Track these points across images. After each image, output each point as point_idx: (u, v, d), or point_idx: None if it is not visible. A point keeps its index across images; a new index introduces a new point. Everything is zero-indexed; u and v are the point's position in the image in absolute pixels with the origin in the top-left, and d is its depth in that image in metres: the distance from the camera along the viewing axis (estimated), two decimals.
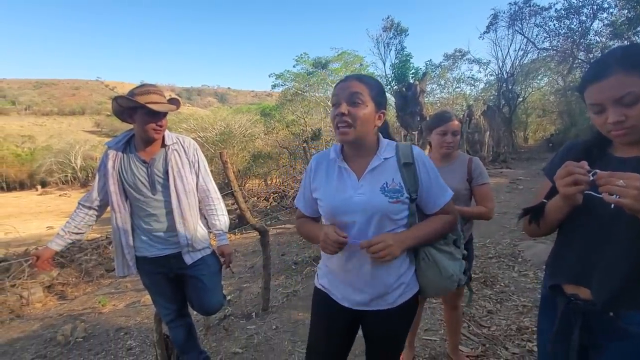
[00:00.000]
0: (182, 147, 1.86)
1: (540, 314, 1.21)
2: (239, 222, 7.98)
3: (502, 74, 20.38)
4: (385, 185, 1.12)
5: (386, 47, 19.44)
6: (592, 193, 0.84)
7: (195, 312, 2.02)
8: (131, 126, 1.81)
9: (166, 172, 1.78)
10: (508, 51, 19.88)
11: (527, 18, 17.61)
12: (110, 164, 1.76)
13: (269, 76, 22.46)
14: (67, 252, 5.88)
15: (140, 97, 1.66)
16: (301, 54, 21.62)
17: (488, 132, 15.56)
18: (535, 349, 2.18)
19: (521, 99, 21.55)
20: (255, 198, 10.96)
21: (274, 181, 15.94)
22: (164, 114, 1.73)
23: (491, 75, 22.11)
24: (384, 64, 19.99)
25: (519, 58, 19.77)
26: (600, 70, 0.89)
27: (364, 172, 1.15)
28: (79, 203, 1.85)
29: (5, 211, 23.98)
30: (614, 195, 0.78)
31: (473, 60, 22.04)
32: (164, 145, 1.81)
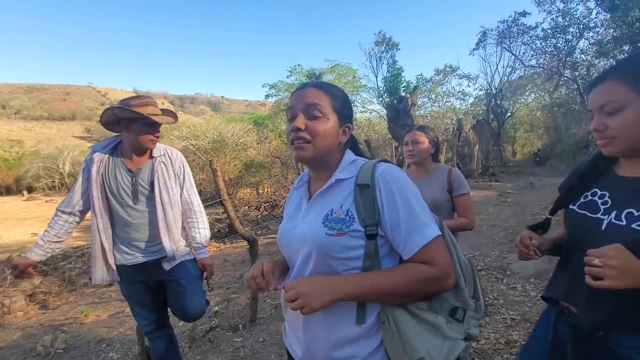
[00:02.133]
0: (170, 158, 1.86)
1: (538, 321, 1.16)
2: (229, 231, 7.90)
3: (491, 89, 20.86)
4: (329, 213, 0.87)
5: (378, 61, 19.78)
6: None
7: (180, 324, 1.98)
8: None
9: (151, 184, 1.78)
10: (497, 67, 20.42)
11: (515, 36, 18.17)
12: (94, 168, 1.74)
13: (263, 86, 22.69)
14: (50, 259, 5.72)
15: (139, 109, 1.67)
16: (295, 65, 21.93)
17: (477, 146, 15.84)
18: None
19: (509, 114, 22.06)
20: (247, 207, 10.90)
21: (266, 190, 15.90)
22: (160, 125, 1.75)
23: (480, 90, 22.65)
24: (376, 77, 20.31)
25: (507, 74, 20.31)
26: (598, 77, 0.90)
27: (314, 196, 0.95)
28: (57, 210, 1.80)
29: None
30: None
31: (463, 76, 22.56)
32: (151, 156, 1.81)
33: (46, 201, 33.58)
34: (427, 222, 0.85)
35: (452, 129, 16.64)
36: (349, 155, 0.97)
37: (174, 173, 1.86)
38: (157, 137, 1.76)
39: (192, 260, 1.95)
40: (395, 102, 9.83)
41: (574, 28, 15.49)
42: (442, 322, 0.86)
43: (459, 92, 23.56)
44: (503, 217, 6.46)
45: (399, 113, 9.36)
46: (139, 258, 1.80)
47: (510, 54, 19.21)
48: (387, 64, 18.93)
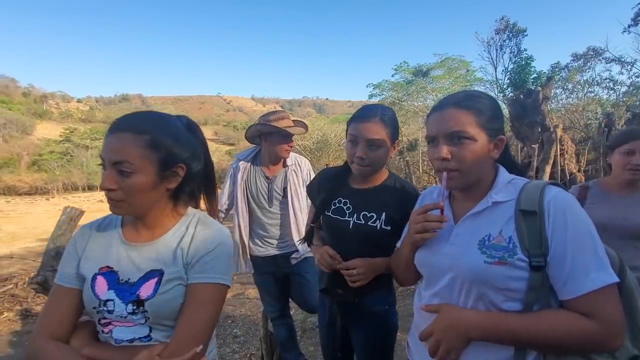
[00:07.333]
0: (299, 166, 2.09)
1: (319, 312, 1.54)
2: None
3: None
4: (486, 239, 0.80)
5: (499, 50, 17.62)
6: None
7: (291, 313, 2.16)
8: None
9: (284, 189, 2.02)
10: None
11: None
12: (239, 174, 2.05)
13: (367, 86, 22.62)
14: None
15: (275, 123, 1.92)
16: (400, 63, 21.18)
17: None
18: None
19: None
20: None
21: None
22: (293, 135, 1.96)
23: (637, 76, 18.00)
24: (495, 69, 18.14)
25: None
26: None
27: (464, 216, 0.87)
28: None
29: None
30: None
31: (612, 60, 18.30)
32: (285, 164, 2.05)
33: None
34: (602, 266, 0.73)
35: (595, 125, 13.67)
36: (504, 174, 0.89)
37: (303, 180, 2.07)
38: (291, 146, 1.98)
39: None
40: (522, 96, 8.45)
41: None
42: None
43: (606, 79, 19.24)
44: None
45: (526, 109, 8.02)
46: (271, 251, 2.05)
47: None
48: (510, 52, 16.73)
